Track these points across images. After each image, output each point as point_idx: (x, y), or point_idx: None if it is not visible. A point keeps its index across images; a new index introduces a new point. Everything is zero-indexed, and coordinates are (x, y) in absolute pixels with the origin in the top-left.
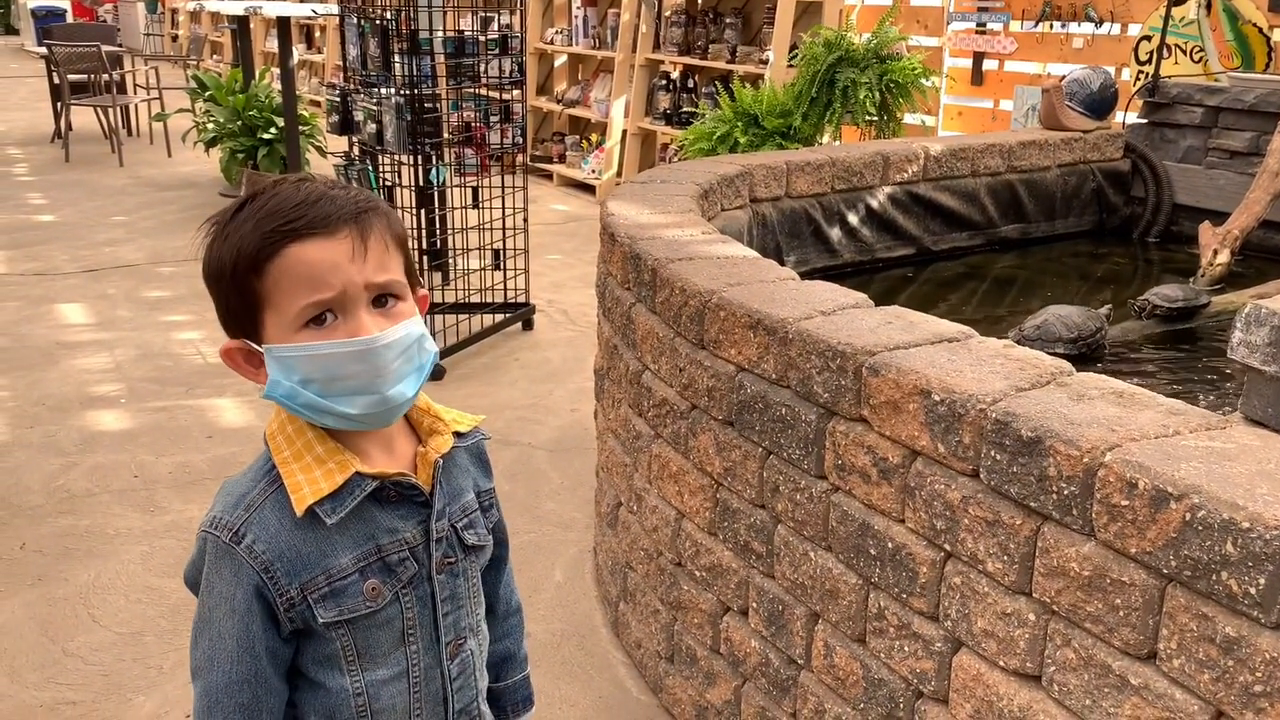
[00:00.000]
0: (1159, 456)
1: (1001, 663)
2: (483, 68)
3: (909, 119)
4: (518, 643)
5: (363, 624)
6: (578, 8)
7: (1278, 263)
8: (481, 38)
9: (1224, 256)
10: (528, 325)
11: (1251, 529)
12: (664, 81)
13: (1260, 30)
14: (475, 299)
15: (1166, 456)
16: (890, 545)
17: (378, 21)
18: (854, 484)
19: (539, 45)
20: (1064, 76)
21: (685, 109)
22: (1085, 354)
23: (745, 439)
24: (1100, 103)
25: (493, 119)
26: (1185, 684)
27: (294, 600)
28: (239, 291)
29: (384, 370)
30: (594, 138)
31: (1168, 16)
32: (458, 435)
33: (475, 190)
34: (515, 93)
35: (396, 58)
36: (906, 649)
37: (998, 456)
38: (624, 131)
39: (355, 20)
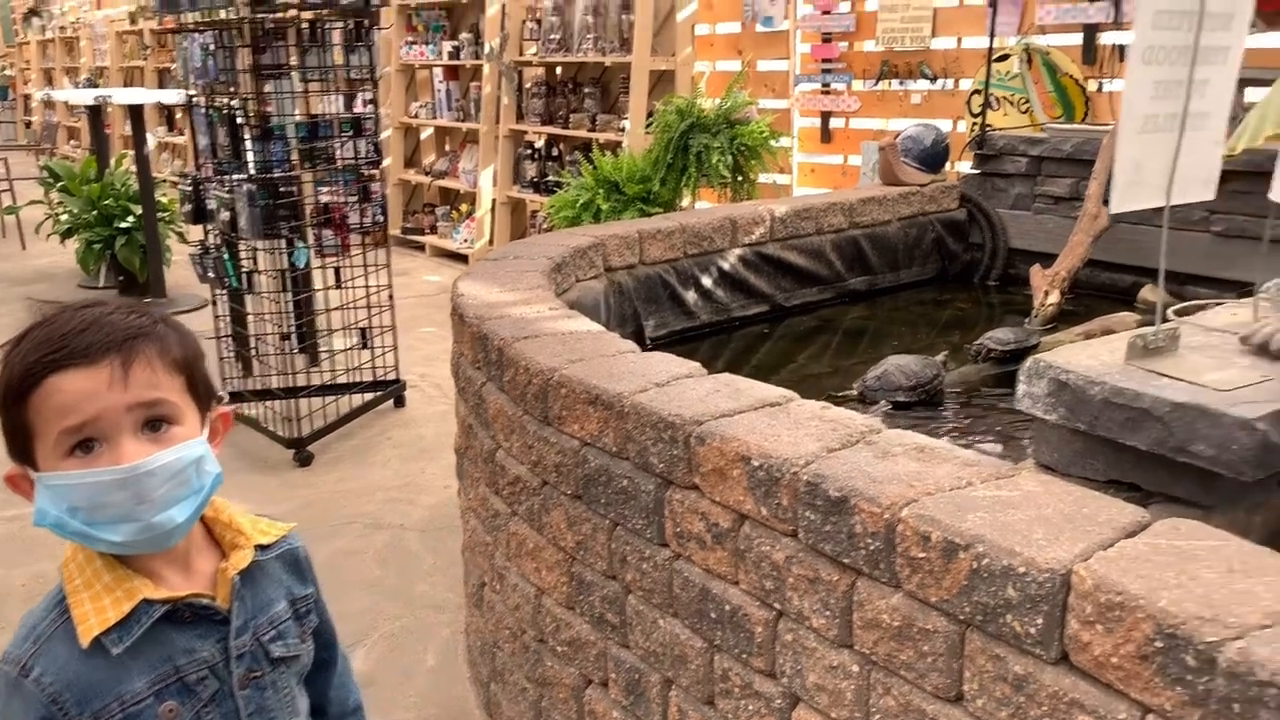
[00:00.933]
0: (950, 509)
1: (833, 714)
2: (338, 149)
3: (764, 178)
4: None
5: None
6: (440, 82)
7: (1105, 299)
8: (336, 119)
9: (1054, 297)
10: (399, 403)
11: (1027, 573)
12: (529, 150)
13: (1077, 82)
14: (344, 379)
15: (957, 508)
16: (728, 608)
17: (224, 110)
18: (692, 550)
19: (404, 119)
20: (899, 133)
21: (551, 177)
22: (925, 400)
23: (593, 512)
24: (934, 157)
25: (351, 200)
26: None
27: None
28: (10, 420)
29: (147, 497)
30: (464, 208)
31: (989, 71)
32: (262, 547)
33: (337, 271)
34: (374, 172)
35: (248, 144)
36: (751, 708)
37: (812, 516)
38: (494, 200)
39: (204, 109)
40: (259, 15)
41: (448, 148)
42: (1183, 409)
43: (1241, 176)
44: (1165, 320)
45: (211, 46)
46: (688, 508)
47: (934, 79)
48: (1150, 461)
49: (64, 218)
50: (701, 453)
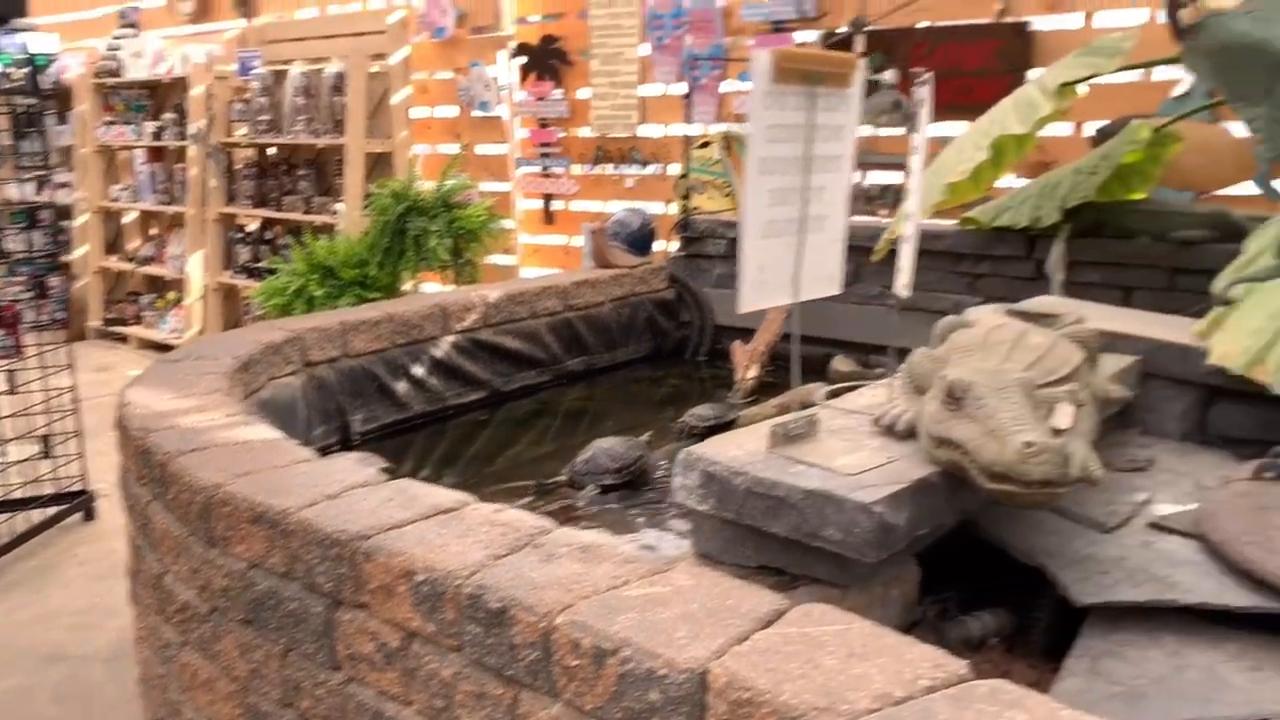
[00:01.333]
0: (602, 612)
1: None
2: (8, 242)
3: (489, 259)
4: None
5: None
6: (142, 163)
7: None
8: (4, 209)
9: (754, 371)
10: (89, 515)
11: (668, 675)
12: (241, 234)
13: None
14: (20, 494)
15: (609, 610)
16: None
17: None
18: (364, 672)
19: (103, 203)
20: (608, 218)
21: (264, 262)
22: (632, 480)
23: (264, 638)
24: (641, 239)
25: (24, 297)
26: None
27: None
28: None
29: None
30: (171, 295)
31: (687, 157)
32: None
33: (10, 374)
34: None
35: None
36: None
37: (475, 629)
38: (204, 287)
39: None
40: None
41: (153, 232)
42: (812, 496)
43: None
44: (809, 406)
45: None
46: (357, 628)
47: (645, 164)
48: (792, 546)
49: None
50: (368, 569)
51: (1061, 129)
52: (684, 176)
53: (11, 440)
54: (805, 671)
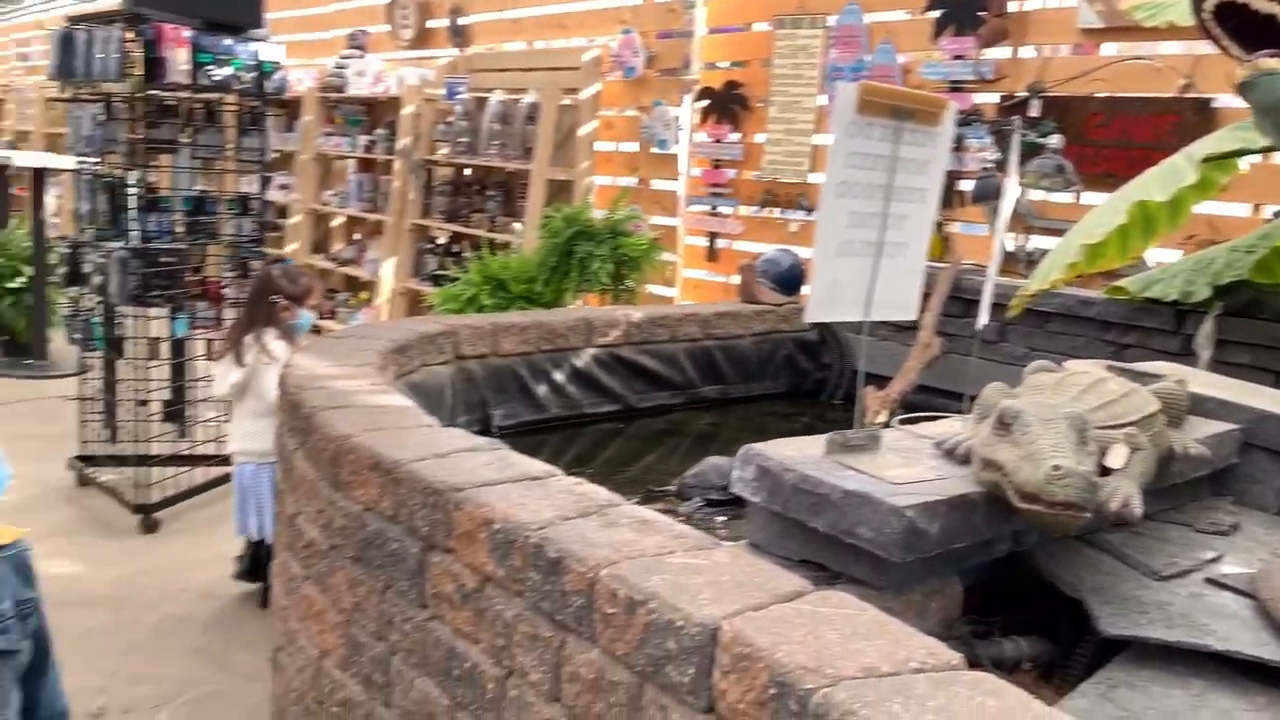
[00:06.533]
0: (641, 571)
1: None
2: (222, 227)
3: (653, 288)
4: None
5: None
6: (353, 173)
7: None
8: (220, 196)
9: (883, 416)
10: None
11: (684, 627)
12: (431, 245)
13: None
14: (210, 450)
15: (648, 571)
16: (468, 665)
17: (105, 178)
18: (444, 610)
19: (315, 206)
20: (759, 256)
21: (449, 271)
22: (738, 499)
23: (369, 574)
24: (789, 279)
25: (231, 275)
26: None
27: None
28: None
29: None
30: (363, 295)
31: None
32: None
33: (209, 343)
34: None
35: (131, 213)
36: None
37: (536, 577)
38: (392, 290)
39: (86, 176)
40: (149, 91)
41: (355, 237)
42: (851, 496)
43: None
44: (887, 425)
45: (101, 117)
46: (443, 570)
47: (810, 210)
48: (831, 543)
49: None
50: (457, 517)
51: (1238, 209)
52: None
53: (201, 401)
54: (805, 640)
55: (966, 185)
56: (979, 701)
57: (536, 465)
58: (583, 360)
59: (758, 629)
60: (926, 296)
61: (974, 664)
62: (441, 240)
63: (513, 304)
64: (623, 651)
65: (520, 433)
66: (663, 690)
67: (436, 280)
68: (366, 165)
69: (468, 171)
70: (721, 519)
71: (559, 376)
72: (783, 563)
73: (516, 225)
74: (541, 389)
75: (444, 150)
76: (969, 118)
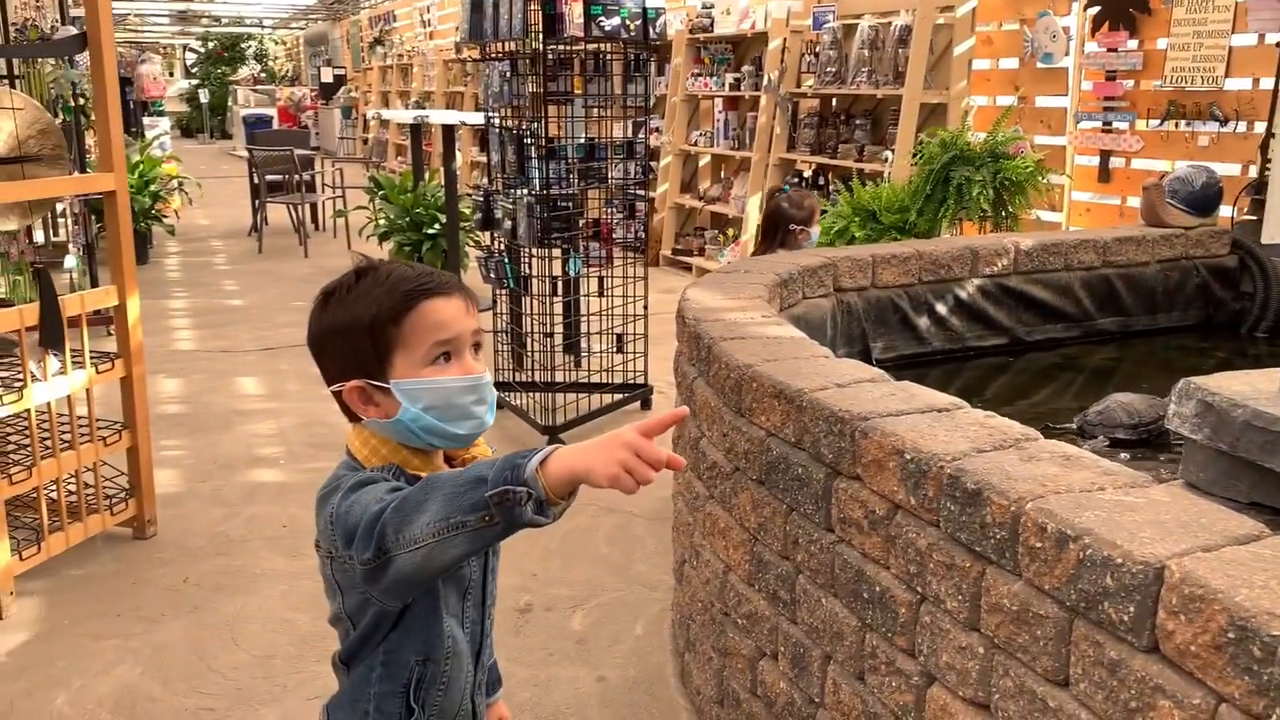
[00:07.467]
0: (1070, 506)
1: (960, 693)
2: (611, 170)
3: (1038, 214)
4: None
5: (447, 578)
6: (719, 111)
7: None
8: (610, 142)
9: None
10: (645, 404)
11: (1124, 564)
12: (797, 179)
13: None
14: (598, 379)
15: (1077, 506)
16: (878, 589)
17: (513, 130)
18: (852, 535)
19: (684, 147)
20: (1165, 174)
21: None
22: (1146, 440)
23: (774, 496)
24: (1203, 200)
25: (619, 216)
26: (1087, 704)
27: None
28: (374, 339)
29: (484, 400)
30: (731, 232)
31: (1273, 114)
32: None
33: (601, 280)
34: (640, 192)
35: (534, 161)
36: (893, 684)
37: (952, 507)
38: (758, 226)
39: (497, 129)
40: (548, 45)
41: (722, 174)
42: None
43: None
44: None
45: (508, 73)
46: (850, 496)
47: (1224, 121)
48: None
49: (382, 223)
50: (864, 445)
51: None
52: (1272, 135)
53: (595, 334)
54: (1266, 584)
55: None
56: None
57: (941, 397)
58: (967, 291)
59: (1211, 570)
60: None
61: None
62: (807, 173)
63: (884, 235)
64: (1050, 586)
65: (901, 366)
66: (1096, 627)
67: None
68: (732, 103)
69: (834, 102)
70: (1125, 458)
71: (941, 308)
72: (1229, 504)
73: (886, 154)
74: (923, 321)
75: (810, 82)
76: None
